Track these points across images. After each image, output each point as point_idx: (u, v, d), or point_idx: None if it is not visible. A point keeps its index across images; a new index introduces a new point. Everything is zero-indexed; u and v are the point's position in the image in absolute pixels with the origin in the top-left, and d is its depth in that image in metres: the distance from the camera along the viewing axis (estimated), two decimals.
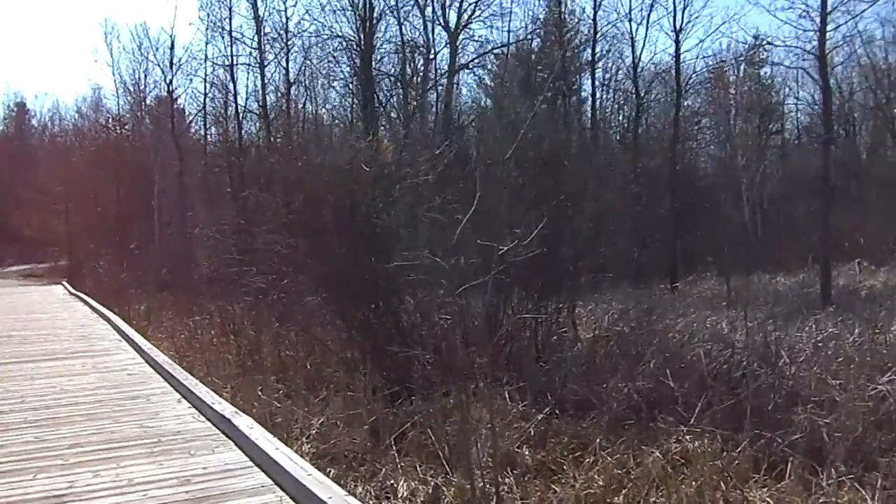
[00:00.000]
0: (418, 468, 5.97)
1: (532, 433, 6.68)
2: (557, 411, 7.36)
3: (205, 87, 27.51)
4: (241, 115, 24.77)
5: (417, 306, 9.66)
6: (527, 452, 6.24)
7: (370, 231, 9.19)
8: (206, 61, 26.49)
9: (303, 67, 25.86)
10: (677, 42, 22.35)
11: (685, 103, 25.31)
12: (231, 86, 25.84)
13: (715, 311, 11.90)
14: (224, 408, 5.95)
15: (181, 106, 30.07)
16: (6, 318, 15.11)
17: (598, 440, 6.17)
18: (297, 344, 10.28)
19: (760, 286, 15.23)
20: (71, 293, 22.69)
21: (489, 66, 27.27)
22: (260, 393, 7.61)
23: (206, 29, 26.29)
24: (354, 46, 23.13)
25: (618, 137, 28.56)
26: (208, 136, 29.58)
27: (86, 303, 18.79)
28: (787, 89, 31.55)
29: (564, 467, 5.90)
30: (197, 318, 13.83)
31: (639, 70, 24.75)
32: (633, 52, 24.19)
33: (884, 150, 29.27)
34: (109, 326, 13.32)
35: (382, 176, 9.55)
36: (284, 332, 10.56)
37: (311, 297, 10.31)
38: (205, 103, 27.62)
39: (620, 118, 29.68)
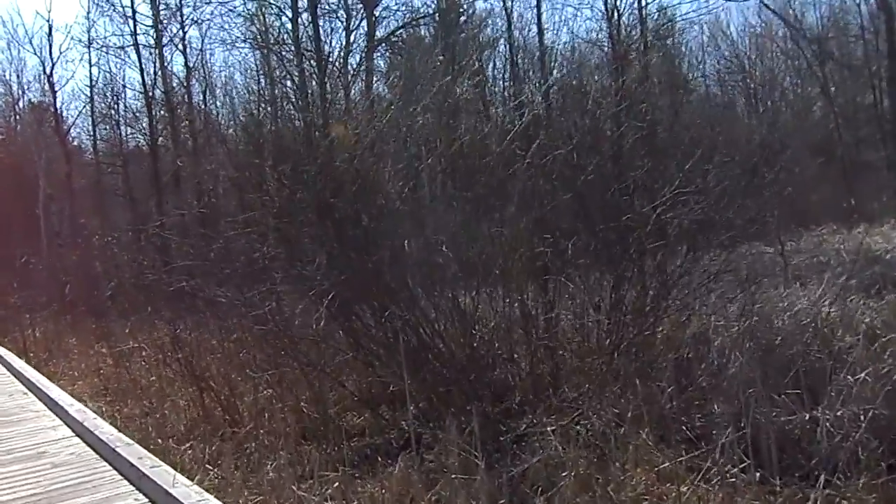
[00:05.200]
0: None
1: None
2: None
3: (90, 77, 22.76)
4: (150, 103, 20.14)
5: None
6: None
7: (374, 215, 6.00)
8: (90, 46, 21.70)
9: (201, 50, 21.57)
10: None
11: None
12: (135, 67, 20.83)
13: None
14: None
15: (61, 104, 25.17)
16: None
17: None
18: (282, 382, 6.99)
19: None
20: None
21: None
22: (295, 488, 4.37)
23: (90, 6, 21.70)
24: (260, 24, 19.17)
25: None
26: (97, 134, 24.46)
27: None
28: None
29: None
30: (123, 347, 10.16)
31: None
32: None
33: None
34: (5, 370, 9.46)
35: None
36: (262, 362, 7.25)
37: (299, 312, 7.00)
38: (92, 96, 22.73)
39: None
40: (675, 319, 7.67)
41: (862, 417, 4.57)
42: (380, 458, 5.42)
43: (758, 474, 4.29)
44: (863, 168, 23.01)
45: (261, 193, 6.00)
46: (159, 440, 6.26)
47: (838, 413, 4.67)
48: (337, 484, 4.49)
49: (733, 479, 4.16)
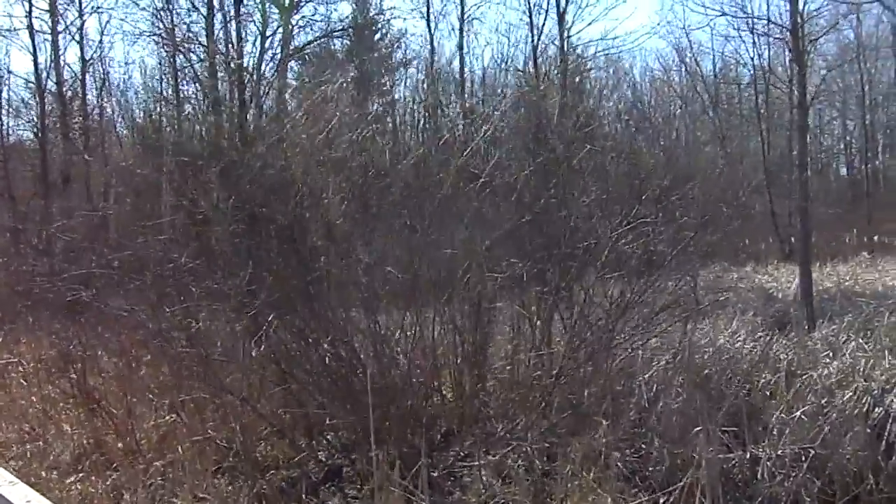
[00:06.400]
0: None
1: None
2: None
3: None
4: (42, 95, 18.35)
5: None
6: None
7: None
8: None
9: (100, 43, 20.00)
10: None
11: None
12: (28, 52, 18.63)
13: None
14: None
15: None
16: None
17: None
18: (188, 405, 6.29)
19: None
20: None
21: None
22: None
23: None
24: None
25: None
26: None
27: None
28: None
29: None
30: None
31: None
32: None
33: None
34: None
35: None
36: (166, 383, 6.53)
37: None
38: None
39: None
40: (608, 353, 7.54)
41: (803, 458, 4.53)
42: (302, 496, 4.93)
43: None
44: (749, 211, 24.38)
45: (181, 197, 5.40)
46: (42, 472, 5.48)
47: (779, 452, 4.62)
48: None
49: None
